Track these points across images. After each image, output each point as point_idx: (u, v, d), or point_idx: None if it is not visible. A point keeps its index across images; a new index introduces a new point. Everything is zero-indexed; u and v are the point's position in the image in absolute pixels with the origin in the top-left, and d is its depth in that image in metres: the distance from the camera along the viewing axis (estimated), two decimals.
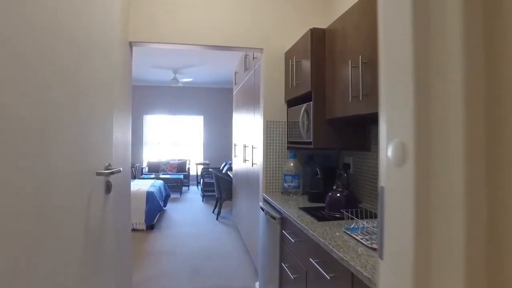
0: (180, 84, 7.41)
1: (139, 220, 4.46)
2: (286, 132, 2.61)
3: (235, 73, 4.65)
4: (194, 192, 7.84)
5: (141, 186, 4.96)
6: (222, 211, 5.67)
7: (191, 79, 7.12)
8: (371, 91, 1.49)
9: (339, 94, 1.83)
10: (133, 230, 4.47)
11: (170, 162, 8.45)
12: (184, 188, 8.17)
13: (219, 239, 4.17)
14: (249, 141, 3.39)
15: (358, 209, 1.66)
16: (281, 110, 2.61)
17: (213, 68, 6.76)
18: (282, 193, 2.55)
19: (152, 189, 4.72)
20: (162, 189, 5.49)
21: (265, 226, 2.38)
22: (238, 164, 4.23)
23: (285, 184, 2.46)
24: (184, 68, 6.86)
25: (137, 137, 8.70)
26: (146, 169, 8.39)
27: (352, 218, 1.61)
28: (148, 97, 8.74)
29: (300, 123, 2.15)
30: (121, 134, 2.25)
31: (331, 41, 1.96)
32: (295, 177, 2.43)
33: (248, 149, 3.42)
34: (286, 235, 1.92)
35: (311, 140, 2.04)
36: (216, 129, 9.03)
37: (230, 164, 7.19)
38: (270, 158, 2.59)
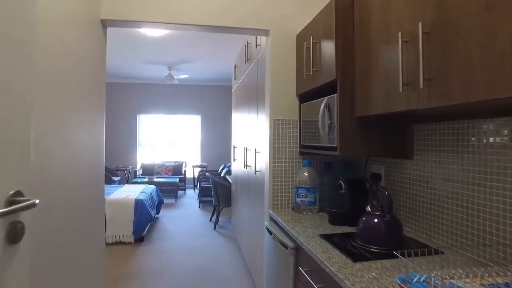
0: (175, 81, 6.91)
1: (126, 232, 3.95)
2: (298, 134, 2.11)
3: (235, 66, 4.15)
4: (190, 197, 7.33)
5: (130, 193, 4.45)
6: (220, 219, 5.18)
7: (187, 76, 6.62)
8: (440, 73, 0.99)
9: (378, 82, 1.33)
10: (120, 243, 3.97)
11: (166, 164, 7.94)
12: (180, 192, 7.67)
13: (216, 255, 3.67)
14: (251, 143, 2.89)
15: (420, 250, 1.15)
16: (292, 106, 2.11)
17: (211, 63, 6.26)
18: (293, 209, 2.05)
19: (141, 197, 4.21)
20: (154, 195, 4.98)
21: (272, 254, 1.87)
22: (238, 169, 3.73)
23: (298, 199, 1.96)
24: (179, 64, 6.36)
25: (130, 138, 8.20)
26: (140, 172, 7.89)
27: (397, 257, 1.11)
28: (142, 95, 8.23)
29: (320, 123, 1.65)
30: (90, 135, 1.75)
31: (363, 13, 1.45)
32: (310, 190, 1.93)
33: (250, 153, 2.92)
34: (303, 274, 1.42)
35: (335, 145, 1.54)
36: (214, 130, 8.53)
37: (229, 167, 6.69)
38: (279, 165, 2.08)
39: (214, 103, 8.51)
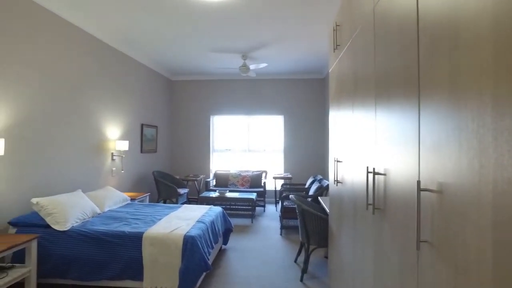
0: (252, 74, 5.57)
1: (169, 283, 2.65)
2: None
3: (335, 29, 2.51)
4: (270, 216, 5.84)
5: (181, 222, 3.16)
6: (310, 262, 3.55)
7: (265, 64, 5.20)
8: None
9: None
10: None
11: (242, 174, 6.67)
12: (258, 209, 6.29)
13: None
14: (393, 165, 1.22)
15: None
16: None
17: (295, 45, 4.70)
18: None
19: (195, 232, 2.87)
20: (219, 223, 3.63)
21: None
22: (346, 199, 2.07)
23: None
24: (255, 50, 4.98)
25: (204, 142, 7.18)
26: (214, 182, 6.78)
27: None
28: (214, 93, 7.16)
29: None
30: None
31: None
32: None
33: (384, 181, 1.25)
34: None
35: None
36: (301, 133, 6.95)
37: (321, 180, 5.01)
38: None
39: (301, 100, 6.95)
